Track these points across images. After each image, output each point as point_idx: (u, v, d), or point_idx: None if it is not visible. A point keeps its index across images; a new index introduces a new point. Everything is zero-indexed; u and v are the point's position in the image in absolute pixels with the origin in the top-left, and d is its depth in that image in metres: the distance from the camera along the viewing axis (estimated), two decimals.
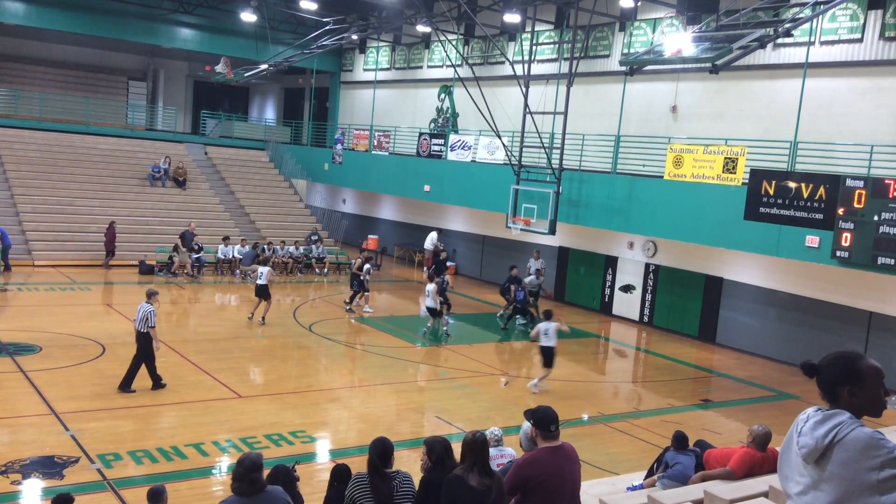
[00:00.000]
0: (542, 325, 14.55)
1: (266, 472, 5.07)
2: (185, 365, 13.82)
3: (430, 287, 18.12)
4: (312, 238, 27.38)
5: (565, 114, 19.69)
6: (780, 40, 15.79)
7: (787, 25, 14.15)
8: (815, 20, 15.96)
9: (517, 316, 19.96)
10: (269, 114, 41.63)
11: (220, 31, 32.03)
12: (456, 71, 24.77)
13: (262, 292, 17.95)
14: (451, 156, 24.81)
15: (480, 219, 26.62)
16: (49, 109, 31.05)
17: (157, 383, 12.65)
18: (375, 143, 28.62)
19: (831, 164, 15.68)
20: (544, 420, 5.45)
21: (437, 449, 5.82)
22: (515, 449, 7.65)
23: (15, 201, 25.04)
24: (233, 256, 24.83)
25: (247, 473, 4.88)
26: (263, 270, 18.27)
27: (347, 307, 20.42)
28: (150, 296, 12.59)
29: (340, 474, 6.69)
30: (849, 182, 14.20)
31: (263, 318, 17.92)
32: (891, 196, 13.59)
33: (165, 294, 21.84)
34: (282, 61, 30.06)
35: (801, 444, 3.04)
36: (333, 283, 25.20)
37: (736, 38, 13.99)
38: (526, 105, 20.29)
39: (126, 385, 12.47)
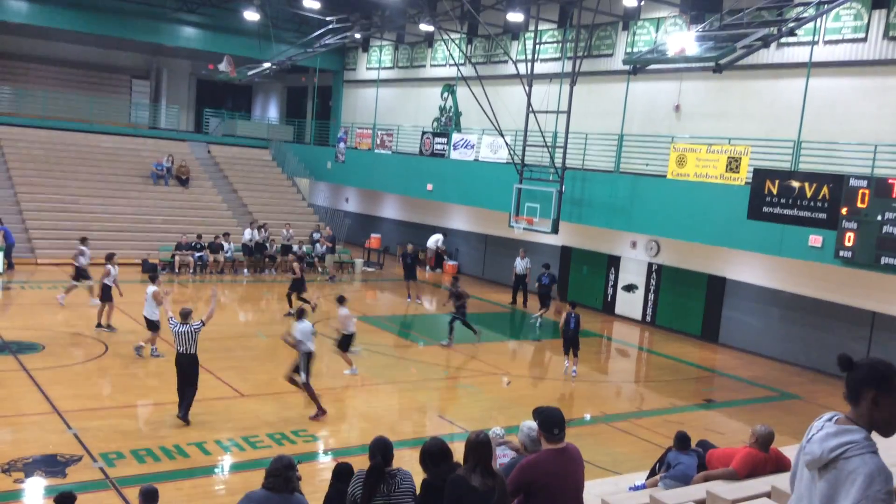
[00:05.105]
0: None
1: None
2: None
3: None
4: (314, 237, 27.37)
5: (568, 113, 19.66)
6: (783, 40, 15.77)
7: (791, 25, 14.13)
8: (818, 19, 15.92)
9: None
10: (272, 112, 41.62)
11: (223, 29, 32.05)
12: (459, 70, 24.74)
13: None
14: (454, 155, 24.79)
15: (483, 218, 26.60)
16: (52, 108, 31.08)
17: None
18: (378, 142, 28.60)
19: (835, 164, 15.65)
20: (547, 422, 5.43)
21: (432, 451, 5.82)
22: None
23: (18, 199, 25.08)
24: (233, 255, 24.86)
25: (284, 470, 4.96)
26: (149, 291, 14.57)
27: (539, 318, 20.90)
28: (186, 316, 11.51)
29: (342, 473, 6.68)
30: (852, 182, 14.17)
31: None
32: (894, 196, 13.55)
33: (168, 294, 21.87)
34: (285, 60, 30.07)
35: (807, 450, 3.04)
36: (336, 283, 25.16)
37: (739, 37, 13.97)
38: (529, 104, 20.26)
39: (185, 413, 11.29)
